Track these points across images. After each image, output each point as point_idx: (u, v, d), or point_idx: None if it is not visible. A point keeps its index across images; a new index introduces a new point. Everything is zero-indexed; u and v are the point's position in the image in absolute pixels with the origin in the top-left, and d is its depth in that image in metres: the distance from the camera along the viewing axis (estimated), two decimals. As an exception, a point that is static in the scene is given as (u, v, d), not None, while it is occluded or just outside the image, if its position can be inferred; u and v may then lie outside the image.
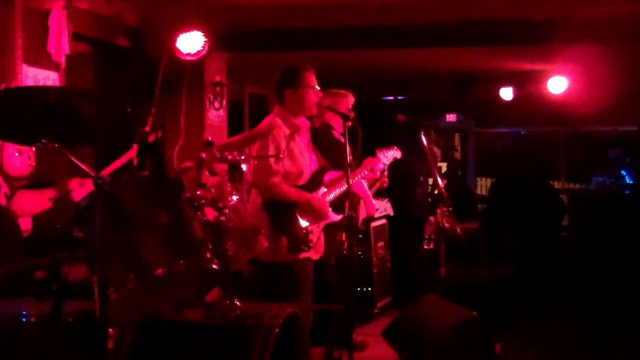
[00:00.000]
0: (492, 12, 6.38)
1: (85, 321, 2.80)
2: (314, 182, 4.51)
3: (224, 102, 7.26)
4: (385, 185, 5.72)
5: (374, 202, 5.91)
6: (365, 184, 5.20)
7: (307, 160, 4.54)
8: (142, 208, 2.91)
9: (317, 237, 4.43)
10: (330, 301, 5.07)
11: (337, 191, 4.55)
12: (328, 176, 4.60)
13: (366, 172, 4.83)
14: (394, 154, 5.12)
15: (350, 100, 5.46)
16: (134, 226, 2.88)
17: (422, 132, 6.09)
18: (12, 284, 3.30)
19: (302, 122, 4.55)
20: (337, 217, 4.51)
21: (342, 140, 5.12)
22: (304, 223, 4.35)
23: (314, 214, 4.40)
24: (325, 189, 4.53)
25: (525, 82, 10.05)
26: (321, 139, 4.59)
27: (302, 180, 4.47)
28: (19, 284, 3.32)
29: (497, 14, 6.40)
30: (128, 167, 4.09)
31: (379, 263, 6.95)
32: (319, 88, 4.52)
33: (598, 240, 9.07)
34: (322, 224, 4.47)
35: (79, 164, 2.77)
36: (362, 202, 5.26)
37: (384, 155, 5.00)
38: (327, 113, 5.30)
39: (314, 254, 4.47)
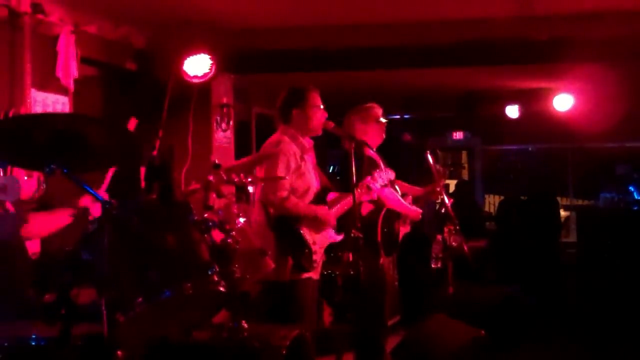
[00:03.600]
0: (497, 33, 6.42)
1: (94, 344, 2.81)
2: (318, 201, 4.54)
3: (231, 123, 7.29)
4: (435, 198, 5.74)
5: None
6: (398, 195, 5.20)
7: (313, 179, 4.58)
8: (149, 231, 2.93)
9: (320, 257, 4.46)
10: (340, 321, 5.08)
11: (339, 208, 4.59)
12: (330, 196, 4.63)
13: (360, 191, 4.82)
14: (388, 175, 5.10)
15: (378, 111, 5.41)
16: (142, 249, 2.90)
17: (427, 151, 6.12)
18: (21, 308, 3.33)
19: (308, 142, 4.59)
20: (338, 237, 4.54)
21: (375, 157, 5.16)
22: (309, 242, 4.38)
23: (322, 226, 4.44)
24: (329, 208, 4.57)
25: (531, 99, 10.07)
26: (354, 157, 4.62)
27: (307, 199, 4.50)
28: (27, 307, 3.34)
29: (503, 34, 6.43)
30: (131, 188, 4.11)
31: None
32: (323, 107, 4.57)
33: (606, 256, 9.04)
34: (324, 245, 4.50)
35: (88, 189, 2.80)
36: (402, 216, 5.27)
37: (379, 176, 4.98)
38: (360, 130, 5.30)
39: (315, 274, 4.50)
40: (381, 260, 5.13)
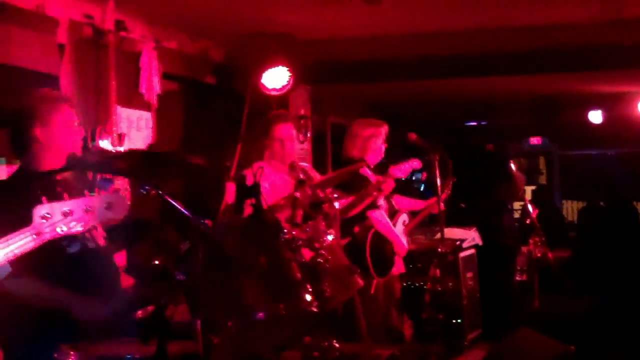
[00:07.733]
0: (578, 39, 6.25)
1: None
2: None
3: (309, 134, 7.28)
4: (436, 211, 5.52)
5: (460, 231, 5.81)
6: (391, 224, 5.01)
7: None
8: (243, 252, 2.93)
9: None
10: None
11: None
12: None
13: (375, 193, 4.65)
14: (412, 165, 4.84)
15: (385, 129, 5.17)
16: (236, 270, 2.90)
17: (511, 160, 6.01)
18: (115, 325, 3.36)
19: None
20: None
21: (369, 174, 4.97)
22: None
23: None
24: None
25: (615, 104, 9.79)
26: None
27: None
28: (120, 324, 3.38)
29: (583, 40, 6.26)
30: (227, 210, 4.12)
31: (469, 294, 6.81)
32: None
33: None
34: None
35: (181, 209, 2.80)
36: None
37: (399, 169, 4.73)
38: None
39: None
40: (374, 281, 4.91)
